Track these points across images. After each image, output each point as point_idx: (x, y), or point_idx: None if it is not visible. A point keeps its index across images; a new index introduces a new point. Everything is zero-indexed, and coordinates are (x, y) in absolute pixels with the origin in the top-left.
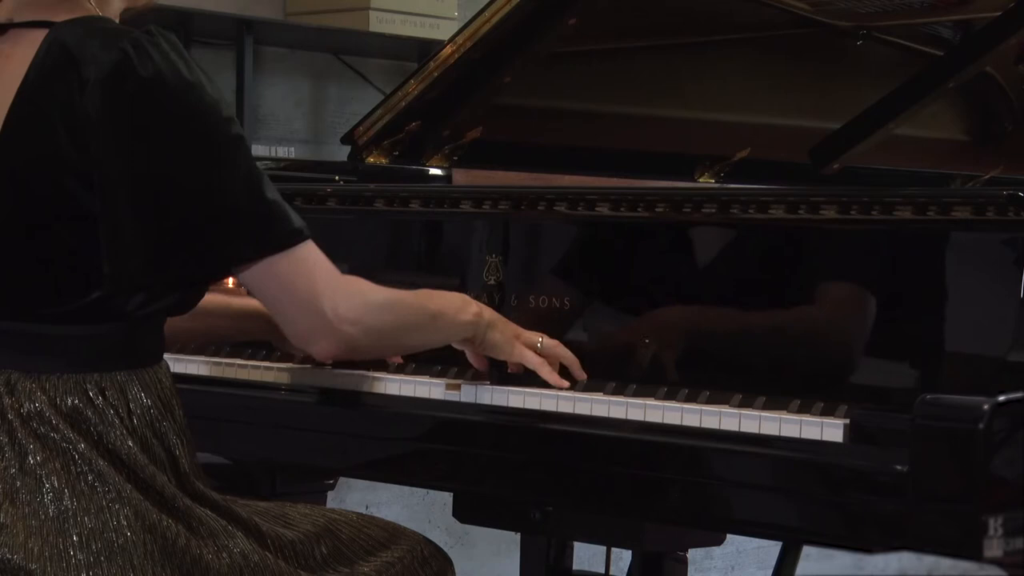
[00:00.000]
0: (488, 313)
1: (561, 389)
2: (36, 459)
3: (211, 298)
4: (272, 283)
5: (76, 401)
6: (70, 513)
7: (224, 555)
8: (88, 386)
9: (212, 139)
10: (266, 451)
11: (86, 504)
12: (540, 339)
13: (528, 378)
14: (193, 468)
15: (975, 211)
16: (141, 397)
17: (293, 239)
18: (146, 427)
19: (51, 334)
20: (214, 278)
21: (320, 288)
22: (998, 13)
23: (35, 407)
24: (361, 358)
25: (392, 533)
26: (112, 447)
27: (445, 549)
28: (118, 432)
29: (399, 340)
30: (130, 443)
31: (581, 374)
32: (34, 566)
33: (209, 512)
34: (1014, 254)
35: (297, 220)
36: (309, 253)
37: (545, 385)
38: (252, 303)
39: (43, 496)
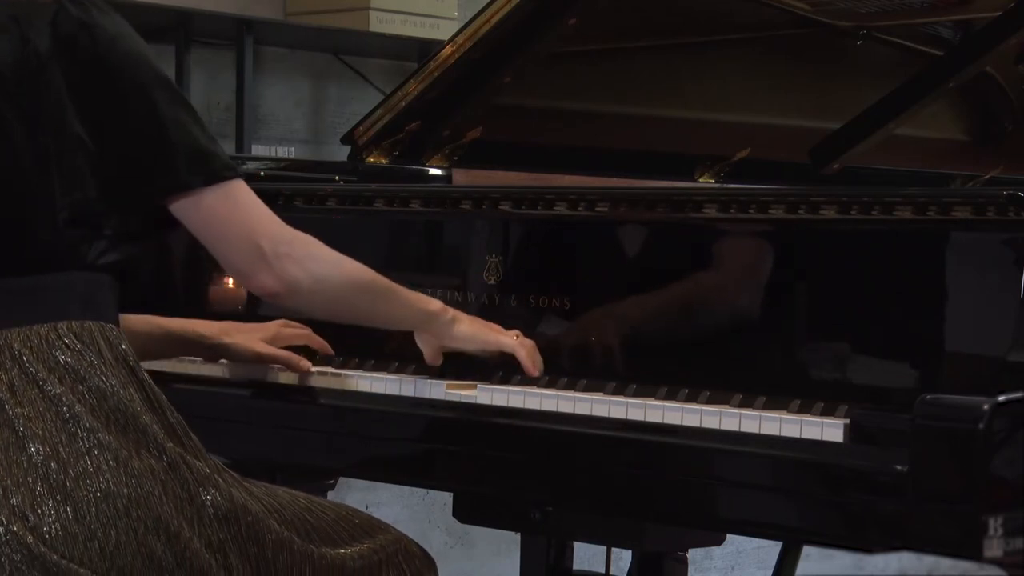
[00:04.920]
0: (453, 311)
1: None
2: (15, 411)
3: (147, 318)
4: (207, 217)
5: (53, 349)
6: (52, 463)
7: (204, 499)
8: (61, 332)
9: (146, 76)
10: (266, 451)
11: (65, 454)
12: (516, 333)
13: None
14: (175, 416)
15: (975, 211)
16: (116, 342)
17: (224, 174)
18: (124, 367)
19: (18, 286)
20: (153, 210)
21: (256, 226)
22: (998, 13)
23: (12, 357)
24: (309, 310)
25: (378, 526)
26: (93, 388)
27: (445, 549)
28: (98, 372)
29: (349, 300)
30: (111, 379)
31: (537, 372)
32: (29, 516)
33: (192, 459)
34: (1014, 254)
35: (230, 160)
36: (243, 192)
37: (546, 385)
38: (189, 327)
39: (25, 447)
